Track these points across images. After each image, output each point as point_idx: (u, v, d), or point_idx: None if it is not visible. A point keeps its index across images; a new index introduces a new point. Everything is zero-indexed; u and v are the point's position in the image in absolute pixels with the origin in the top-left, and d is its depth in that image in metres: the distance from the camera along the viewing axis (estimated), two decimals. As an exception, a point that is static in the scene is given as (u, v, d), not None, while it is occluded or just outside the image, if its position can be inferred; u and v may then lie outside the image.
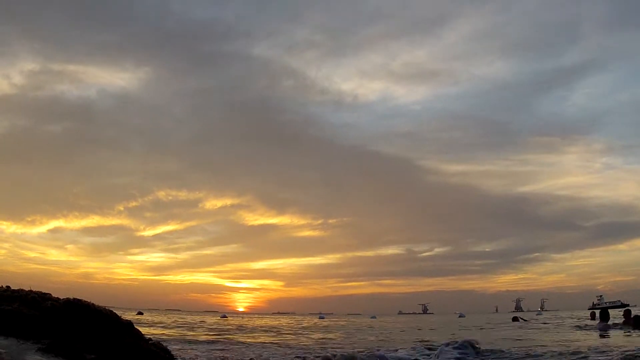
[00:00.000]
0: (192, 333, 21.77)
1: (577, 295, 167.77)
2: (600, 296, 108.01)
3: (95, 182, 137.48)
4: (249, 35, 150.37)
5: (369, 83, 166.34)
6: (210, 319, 47.45)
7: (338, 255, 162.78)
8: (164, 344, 8.38)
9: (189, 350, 12.26)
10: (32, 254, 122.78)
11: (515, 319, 36.23)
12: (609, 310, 30.69)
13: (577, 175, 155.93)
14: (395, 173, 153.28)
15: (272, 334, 22.75)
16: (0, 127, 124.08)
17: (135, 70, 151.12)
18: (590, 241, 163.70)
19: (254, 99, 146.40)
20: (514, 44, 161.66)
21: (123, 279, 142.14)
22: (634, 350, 9.10)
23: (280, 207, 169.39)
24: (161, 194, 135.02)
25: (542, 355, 9.82)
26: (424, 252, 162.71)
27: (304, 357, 10.85)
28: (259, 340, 17.34)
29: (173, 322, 34.27)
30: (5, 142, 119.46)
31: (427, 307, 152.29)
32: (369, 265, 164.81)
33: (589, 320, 29.20)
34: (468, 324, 35.07)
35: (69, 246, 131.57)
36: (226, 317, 61.48)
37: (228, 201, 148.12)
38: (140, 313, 69.69)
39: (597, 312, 28.43)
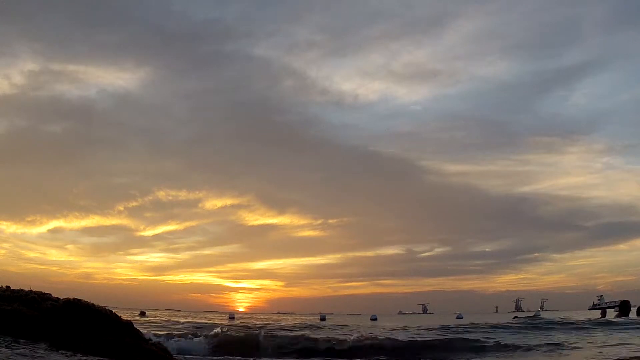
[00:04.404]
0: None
1: (577, 295, 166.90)
2: (601, 296, 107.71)
3: (95, 182, 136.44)
4: (249, 36, 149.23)
5: (370, 83, 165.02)
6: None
7: (338, 255, 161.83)
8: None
9: None
10: (32, 254, 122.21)
11: (515, 317, 38.14)
12: (610, 309, 32.31)
13: (577, 175, 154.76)
14: (395, 173, 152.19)
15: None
16: (0, 127, 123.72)
17: (135, 70, 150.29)
18: (590, 241, 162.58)
19: (254, 99, 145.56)
20: (514, 44, 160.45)
21: (123, 279, 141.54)
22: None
23: (280, 207, 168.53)
24: (161, 194, 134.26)
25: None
26: (424, 252, 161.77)
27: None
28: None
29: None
30: (5, 142, 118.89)
31: (427, 307, 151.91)
32: (369, 265, 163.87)
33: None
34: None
35: (69, 246, 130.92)
36: (234, 318, 61.13)
37: (228, 201, 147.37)
38: (142, 313, 69.72)
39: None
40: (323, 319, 74.62)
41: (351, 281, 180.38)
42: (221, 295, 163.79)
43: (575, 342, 15.93)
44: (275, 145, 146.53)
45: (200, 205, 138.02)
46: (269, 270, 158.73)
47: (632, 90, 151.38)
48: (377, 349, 15.44)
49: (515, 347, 15.14)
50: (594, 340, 16.78)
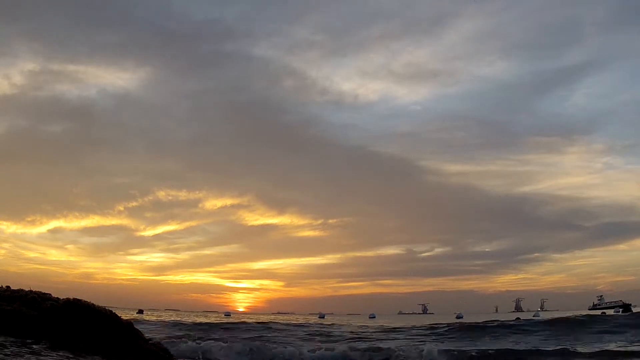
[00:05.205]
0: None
1: (577, 295, 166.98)
2: (601, 296, 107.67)
3: (95, 182, 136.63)
4: (249, 36, 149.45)
5: (370, 83, 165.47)
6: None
7: (338, 255, 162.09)
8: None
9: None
10: (32, 254, 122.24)
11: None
12: (610, 309, 33.10)
13: (577, 175, 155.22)
14: (395, 173, 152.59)
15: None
16: (0, 127, 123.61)
17: (135, 70, 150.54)
18: (590, 241, 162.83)
19: (254, 99, 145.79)
20: (514, 44, 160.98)
21: (123, 279, 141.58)
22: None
23: (280, 207, 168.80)
24: (161, 194, 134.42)
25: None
26: (424, 252, 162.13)
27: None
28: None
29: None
30: (5, 142, 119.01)
31: (427, 307, 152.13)
32: (369, 265, 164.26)
33: None
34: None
35: (69, 246, 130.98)
36: (230, 315, 61.39)
37: (228, 201, 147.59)
38: (140, 311, 69.85)
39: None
40: (322, 317, 74.71)
41: (351, 281, 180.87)
42: (221, 295, 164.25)
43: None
44: (275, 145, 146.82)
45: (200, 205, 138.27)
46: (269, 270, 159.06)
47: (632, 90, 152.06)
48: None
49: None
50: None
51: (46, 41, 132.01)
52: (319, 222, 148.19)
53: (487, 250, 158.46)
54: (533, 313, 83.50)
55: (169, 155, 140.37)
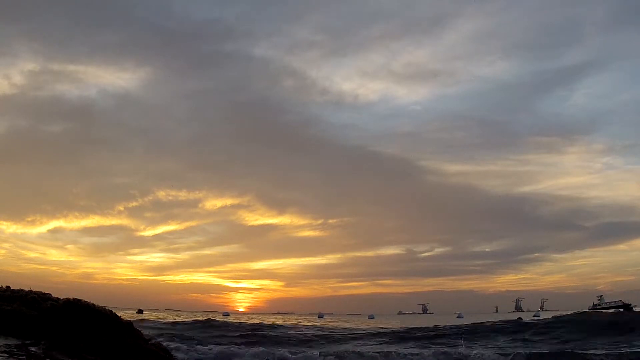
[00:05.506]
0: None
1: (577, 295, 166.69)
2: (601, 296, 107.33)
3: (95, 182, 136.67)
4: (250, 36, 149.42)
5: (370, 83, 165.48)
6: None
7: (338, 255, 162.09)
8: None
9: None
10: (32, 254, 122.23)
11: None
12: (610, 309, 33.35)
13: (577, 175, 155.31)
14: (396, 173, 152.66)
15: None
16: (0, 127, 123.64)
17: (135, 71, 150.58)
18: (590, 241, 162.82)
19: (255, 99, 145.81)
20: (514, 44, 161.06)
21: (123, 279, 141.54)
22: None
23: (280, 207, 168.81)
24: (161, 194, 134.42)
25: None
26: (424, 252, 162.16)
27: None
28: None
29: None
30: (5, 142, 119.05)
31: (427, 307, 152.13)
32: (369, 265, 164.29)
33: None
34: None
35: (69, 246, 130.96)
36: (228, 315, 61.42)
37: (228, 201, 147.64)
38: (140, 311, 69.89)
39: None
40: (321, 317, 74.80)
41: (351, 281, 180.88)
42: (221, 295, 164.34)
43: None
44: (275, 145, 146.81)
45: (200, 205, 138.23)
46: (269, 270, 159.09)
47: (632, 90, 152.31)
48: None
49: None
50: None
51: (46, 41, 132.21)
52: (319, 222, 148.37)
53: (487, 250, 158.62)
54: (533, 313, 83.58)
55: (169, 155, 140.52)
